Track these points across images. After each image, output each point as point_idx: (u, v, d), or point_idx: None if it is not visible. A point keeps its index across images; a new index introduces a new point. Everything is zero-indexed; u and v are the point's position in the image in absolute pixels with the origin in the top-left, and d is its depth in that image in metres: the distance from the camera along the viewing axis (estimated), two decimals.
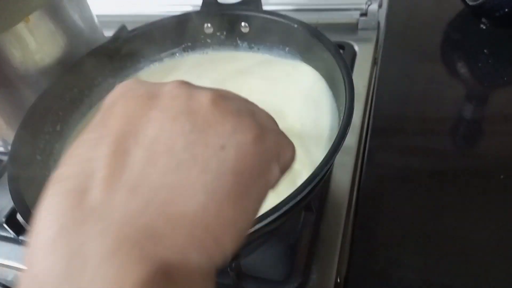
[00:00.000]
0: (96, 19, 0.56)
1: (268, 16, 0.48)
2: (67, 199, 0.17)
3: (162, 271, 0.16)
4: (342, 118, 0.35)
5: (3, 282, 0.46)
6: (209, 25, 0.52)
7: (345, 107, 0.35)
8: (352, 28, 0.65)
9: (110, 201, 0.17)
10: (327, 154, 0.32)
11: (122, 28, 0.62)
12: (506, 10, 0.55)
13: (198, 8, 0.53)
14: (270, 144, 0.20)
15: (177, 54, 0.55)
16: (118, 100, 0.20)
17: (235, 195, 0.18)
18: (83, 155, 0.18)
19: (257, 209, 0.19)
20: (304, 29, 0.45)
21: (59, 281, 0.15)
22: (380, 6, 0.64)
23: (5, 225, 0.46)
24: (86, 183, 0.17)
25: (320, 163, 0.31)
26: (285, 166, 0.21)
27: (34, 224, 0.17)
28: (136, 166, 0.18)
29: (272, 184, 0.20)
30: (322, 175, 0.31)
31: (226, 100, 0.20)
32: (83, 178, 0.17)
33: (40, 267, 0.16)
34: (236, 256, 0.38)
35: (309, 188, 0.30)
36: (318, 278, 0.39)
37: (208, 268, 0.17)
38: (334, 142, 0.33)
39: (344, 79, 0.38)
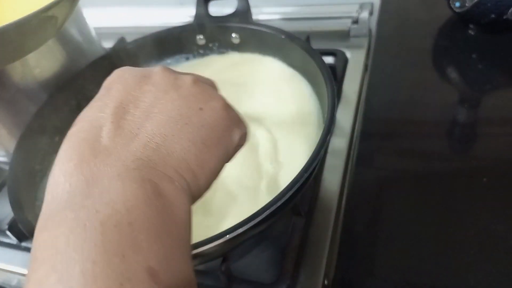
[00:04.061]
0: (94, 33, 0.58)
1: (257, 28, 0.49)
2: (84, 143, 0.22)
3: (154, 189, 0.21)
4: (324, 127, 0.36)
5: (7, 287, 0.48)
6: (201, 36, 0.54)
7: (327, 116, 0.36)
8: (344, 35, 0.67)
9: (116, 144, 0.22)
10: (307, 161, 0.33)
11: (121, 40, 0.64)
12: (493, 16, 0.55)
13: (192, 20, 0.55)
14: (233, 114, 0.27)
15: (172, 66, 0.57)
16: (117, 79, 0.26)
17: (209, 143, 0.24)
18: (92, 116, 0.24)
19: (224, 159, 0.26)
20: (291, 39, 0.47)
21: (77, 194, 0.20)
22: (371, 13, 0.65)
23: (8, 232, 0.48)
24: (97, 133, 0.23)
25: (300, 170, 0.33)
26: (243, 137, 0.28)
27: (56, 161, 0.23)
28: (135, 121, 0.23)
29: (234, 145, 0.26)
30: (302, 181, 0.32)
31: (202, 82, 0.27)
32: (94, 130, 0.23)
33: (62, 188, 0.21)
34: (225, 259, 0.39)
35: (290, 193, 0.32)
36: (306, 280, 0.41)
37: (187, 195, 0.23)
38: (315, 149, 0.34)
39: (326, 87, 0.39)
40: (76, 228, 0.19)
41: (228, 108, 0.26)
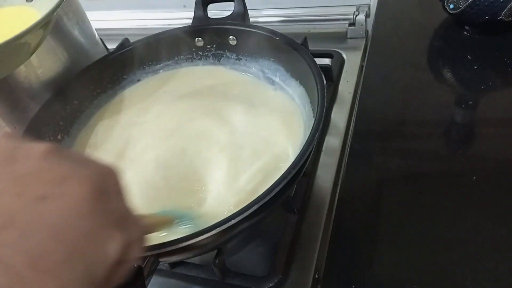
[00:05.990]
0: (96, 34, 0.59)
1: (253, 30, 0.51)
2: None
3: None
4: (313, 124, 0.37)
5: None
6: (199, 38, 0.55)
7: (315, 115, 0.37)
8: (341, 37, 0.68)
9: None
10: (295, 158, 0.35)
11: (125, 41, 0.66)
12: (487, 17, 0.56)
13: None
14: (114, 206, 0.17)
15: (171, 67, 0.58)
16: None
17: (48, 265, 0.14)
18: None
19: None
20: (284, 41, 0.48)
21: None
22: (367, 16, 0.67)
23: None
24: None
25: (289, 167, 0.34)
26: (130, 247, 0.17)
27: None
28: None
29: (108, 262, 0.16)
30: (289, 178, 0.33)
31: (64, 150, 0.18)
32: None
33: None
34: (219, 252, 0.41)
35: (277, 189, 0.33)
36: (297, 274, 0.42)
37: None
38: (303, 146, 0.36)
39: (316, 83, 0.40)
40: None
41: (103, 194, 0.16)
